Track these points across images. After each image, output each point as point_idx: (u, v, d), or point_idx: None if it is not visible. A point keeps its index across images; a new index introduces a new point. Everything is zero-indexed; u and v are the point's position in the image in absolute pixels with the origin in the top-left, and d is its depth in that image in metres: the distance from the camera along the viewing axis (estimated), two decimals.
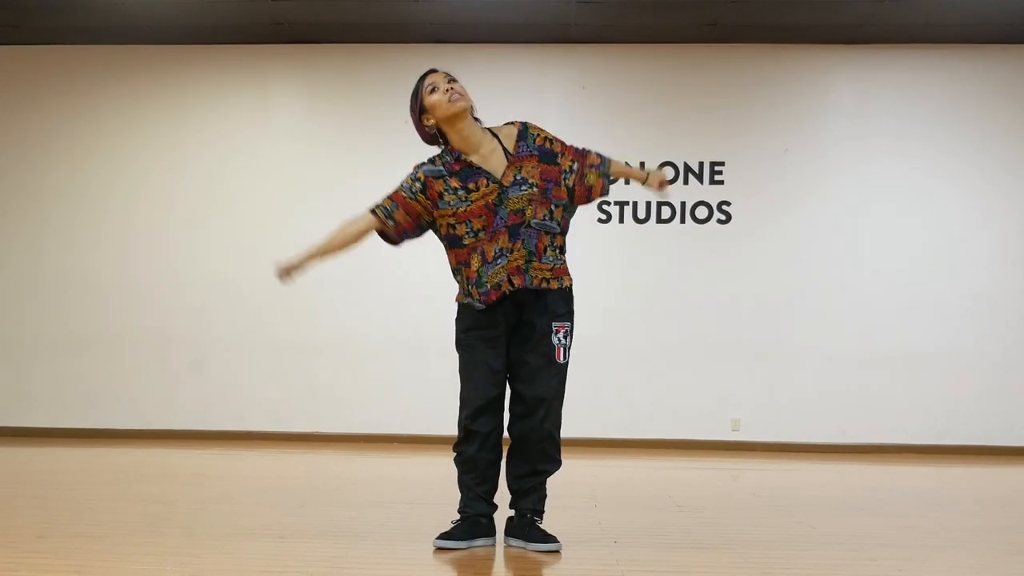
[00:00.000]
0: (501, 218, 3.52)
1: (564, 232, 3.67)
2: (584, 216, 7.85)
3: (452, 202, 3.54)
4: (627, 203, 7.78)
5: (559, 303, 3.63)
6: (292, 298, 7.81)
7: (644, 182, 3.82)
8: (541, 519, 3.67)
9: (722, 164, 7.78)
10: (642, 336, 7.72)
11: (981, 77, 7.74)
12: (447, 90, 3.50)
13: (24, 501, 4.70)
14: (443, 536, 3.62)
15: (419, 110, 3.57)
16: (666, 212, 7.77)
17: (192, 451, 7.03)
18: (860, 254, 7.71)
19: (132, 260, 7.93)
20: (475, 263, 3.55)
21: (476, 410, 3.59)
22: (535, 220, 3.55)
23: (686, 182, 7.77)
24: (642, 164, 7.80)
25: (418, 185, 3.57)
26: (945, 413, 7.59)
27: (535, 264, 3.56)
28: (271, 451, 7.08)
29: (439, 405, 7.66)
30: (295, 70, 7.99)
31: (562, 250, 3.66)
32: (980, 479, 6.49)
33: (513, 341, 3.63)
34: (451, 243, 3.61)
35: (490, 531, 3.68)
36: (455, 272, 3.66)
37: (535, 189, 3.55)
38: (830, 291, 7.70)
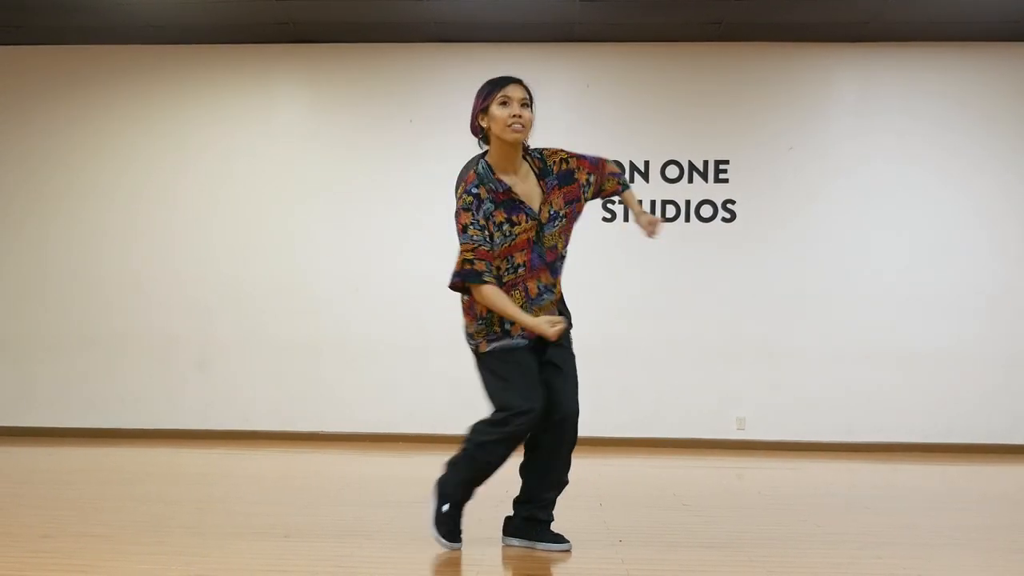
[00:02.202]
0: (539, 255, 3.47)
1: None
2: (588, 215, 7.83)
3: (498, 240, 3.42)
4: None
5: (565, 312, 3.66)
6: (296, 298, 7.84)
7: (638, 219, 3.66)
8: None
9: (726, 163, 7.77)
10: (646, 335, 7.71)
11: (984, 75, 7.72)
12: (515, 116, 3.39)
13: (29, 501, 4.71)
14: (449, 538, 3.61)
15: (482, 108, 3.46)
16: (671, 211, 7.76)
17: (196, 451, 7.04)
18: (865, 252, 7.70)
19: (136, 260, 7.93)
20: (518, 299, 3.44)
21: (534, 418, 3.43)
22: (565, 250, 3.57)
23: (691, 180, 7.76)
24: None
25: (484, 229, 3.40)
26: (951, 411, 7.57)
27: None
28: (275, 451, 7.08)
29: (443, 404, 7.68)
30: (299, 70, 7.99)
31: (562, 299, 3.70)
32: (985, 477, 6.48)
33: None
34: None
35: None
36: (484, 320, 3.48)
37: (564, 220, 3.54)
38: (835, 289, 7.69)
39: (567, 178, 3.56)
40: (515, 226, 3.42)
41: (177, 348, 7.87)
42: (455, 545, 3.54)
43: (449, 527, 3.54)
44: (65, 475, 5.83)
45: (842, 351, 7.62)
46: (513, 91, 3.44)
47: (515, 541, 3.64)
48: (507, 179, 3.46)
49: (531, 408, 3.40)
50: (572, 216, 3.57)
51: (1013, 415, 7.56)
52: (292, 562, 3.38)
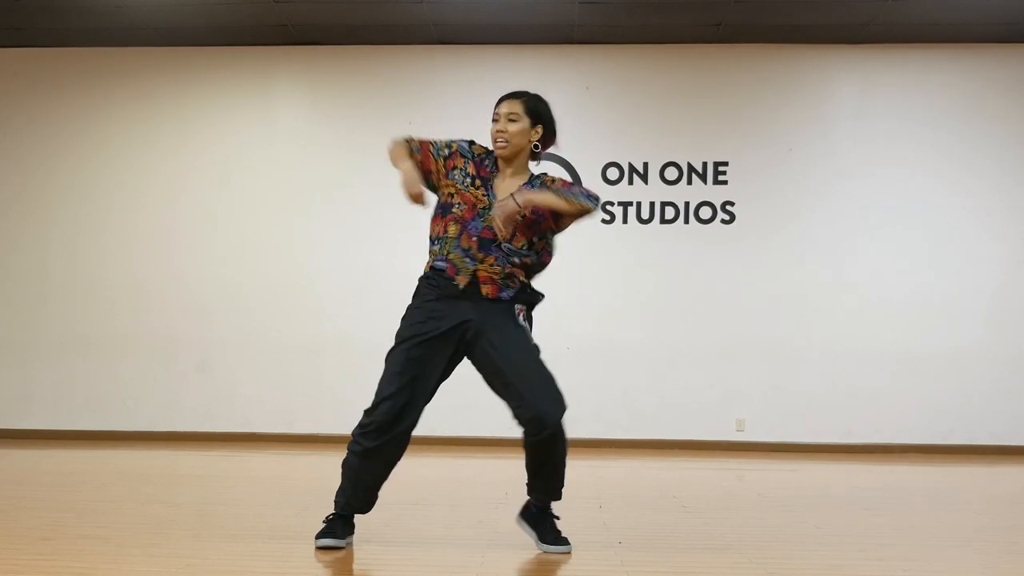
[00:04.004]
0: (475, 226, 3.56)
1: (540, 265, 3.65)
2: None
3: (458, 178, 3.64)
4: (631, 203, 7.79)
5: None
6: (296, 300, 7.85)
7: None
8: None
9: (726, 164, 7.77)
10: (646, 336, 7.72)
11: (985, 76, 7.73)
12: (499, 131, 3.61)
13: (29, 503, 4.71)
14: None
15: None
16: (670, 212, 7.77)
17: (197, 453, 7.04)
18: (864, 254, 7.71)
19: (137, 262, 7.94)
20: (452, 232, 3.58)
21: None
22: (506, 244, 3.54)
23: (690, 182, 7.77)
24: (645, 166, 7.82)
25: (446, 151, 3.70)
26: (950, 413, 7.58)
27: (506, 288, 3.57)
28: (276, 453, 7.08)
29: (443, 406, 7.66)
30: (299, 72, 8.00)
31: (523, 289, 3.61)
32: (985, 478, 6.48)
33: (484, 354, 3.63)
34: (443, 211, 3.64)
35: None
36: (433, 241, 3.68)
37: (520, 219, 3.52)
38: (834, 290, 7.69)
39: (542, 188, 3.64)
40: (473, 186, 3.62)
41: (177, 350, 7.87)
42: None
43: None
44: (65, 477, 5.83)
45: (842, 352, 7.63)
46: (502, 107, 3.66)
47: (525, 526, 3.64)
48: (496, 176, 3.66)
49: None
50: (530, 222, 3.54)
51: (1013, 417, 7.56)
52: (293, 564, 3.38)
